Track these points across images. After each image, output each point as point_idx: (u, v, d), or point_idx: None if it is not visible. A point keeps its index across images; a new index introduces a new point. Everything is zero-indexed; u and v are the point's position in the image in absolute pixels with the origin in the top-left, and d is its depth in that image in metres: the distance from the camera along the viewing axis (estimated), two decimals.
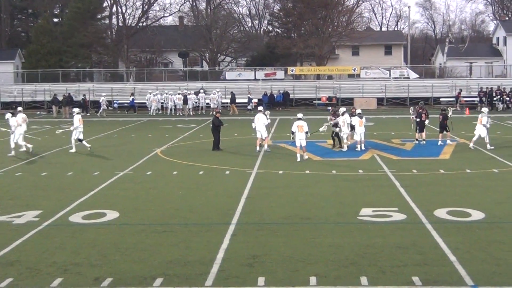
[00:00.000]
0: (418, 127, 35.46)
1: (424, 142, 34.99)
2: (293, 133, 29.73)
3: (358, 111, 34.89)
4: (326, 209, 19.58)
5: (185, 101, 61.88)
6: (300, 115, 30.11)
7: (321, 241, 15.88)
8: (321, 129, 33.98)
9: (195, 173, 26.73)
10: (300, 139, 29.13)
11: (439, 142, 34.81)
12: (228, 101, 64.02)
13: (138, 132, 44.56)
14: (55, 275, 13.54)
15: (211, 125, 34.34)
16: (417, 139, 35.50)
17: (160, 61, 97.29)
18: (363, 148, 32.70)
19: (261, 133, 32.89)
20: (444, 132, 35.03)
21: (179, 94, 62.97)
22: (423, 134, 35.42)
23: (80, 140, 33.40)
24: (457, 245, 15.35)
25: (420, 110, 35.62)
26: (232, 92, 64.35)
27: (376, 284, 12.81)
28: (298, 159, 29.02)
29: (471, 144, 32.65)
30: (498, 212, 18.98)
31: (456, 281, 12.95)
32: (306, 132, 29.22)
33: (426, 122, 35.42)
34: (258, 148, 32.51)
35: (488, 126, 32.65)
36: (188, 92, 64.25)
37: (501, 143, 35.24)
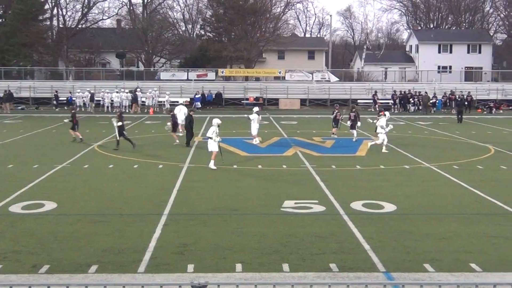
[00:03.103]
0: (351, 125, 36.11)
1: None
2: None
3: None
4: (252, 201, 19.64)
5: (135, 99, 61.09)
6: (217, 121, 26.37)
7: (247, 231, 15.92)
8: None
9: (130, 166, 26.48)
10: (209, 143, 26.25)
11: (354, 139, 35.43)
12: (163, 99, 63.26)
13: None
14: None
15: (183, 122, 34.06)
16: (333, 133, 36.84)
17: (98, 61, 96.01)
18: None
19: (182, 121, 35.61)
20: (351, 129, 35.80)
21: (125, 92, 62.36)
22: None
23: None
24: (371, 235, 15.57)
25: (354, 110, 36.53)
26: (134, 91, 63.38)
27: (296, 271, 12.90)
28: (213, 167, 25.67)
29: (382, 147, 31.72)
30: (408, 204, 19.33)
31: (369, 268, 13.14)
32: (210, 138, 26.04)
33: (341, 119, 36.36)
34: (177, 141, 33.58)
35: (387, 128, 31.70)
36: (126, 91, 63.52)
37: (412, 142, 35.86)
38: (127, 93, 62.67)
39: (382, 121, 31.85)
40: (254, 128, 34.81)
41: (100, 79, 76.53)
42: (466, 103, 62.46)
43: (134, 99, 61.19)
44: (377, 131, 32.28)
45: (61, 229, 16.06)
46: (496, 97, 70.19)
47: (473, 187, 22.03)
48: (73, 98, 63.77)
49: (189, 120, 32.95)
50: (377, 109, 59.42)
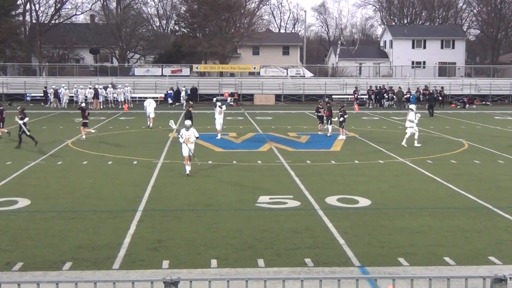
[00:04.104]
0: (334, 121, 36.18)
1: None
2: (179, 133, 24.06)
3: (218, 103, 35.84)
4: (226, 197, 19.64)
5: (96, 95, 60.77)
6: (186, 123, 23.99)
7: (222, 226, 15.92)
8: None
9: (104, 163, 26.35)
10: (189, 149, 23.43)
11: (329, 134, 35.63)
12: (137, 95, 63.03)
13: (50, 124, 43.55)
14: None
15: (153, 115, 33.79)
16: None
17: (72, 57, 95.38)
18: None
19: (150, 116, 39.47)
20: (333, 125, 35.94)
21: (89, 88, 61.96)
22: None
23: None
24: (345, 230, 15.64)
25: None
26: (95, 87, 62.89)
27: (272, 266, 12.92)
28: (187, 172, 23.33)
29: (412, 141, 31.88)
30: (382, 199, 19.44)
31: (344, 262, 13.20)
32: (197, 137, 23.87)
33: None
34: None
35: (416, 122, 32.02)
36: (100, 86, 63.15)
37: (386, 137, 36.06)
38: (101, 88, 62.32)
39: (411, 115, 32.04)
40: (218, 123, 34.90)
41: (74, 75, 76.00)
42: (439, 97, 63.00)
43: (95, 95, 60.76)
44: (406, 125, 32.45)
45: (34, 226, 15.95)
46: (469, 92, 70.74)
47: (447, 182, 22.21)
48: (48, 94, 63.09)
49: (188, 116, 32.84)
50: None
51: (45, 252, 13.76)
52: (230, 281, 7.72)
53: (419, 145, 31.66)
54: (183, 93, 63.23)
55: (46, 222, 16.37)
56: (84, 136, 33.66)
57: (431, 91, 60.08)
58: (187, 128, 23.49)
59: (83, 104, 37.97)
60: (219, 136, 34.53)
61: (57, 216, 17.03)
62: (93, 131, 34.53)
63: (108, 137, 35.76)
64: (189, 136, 23.34)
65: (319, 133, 36.82)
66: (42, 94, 64.21)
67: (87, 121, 33.89)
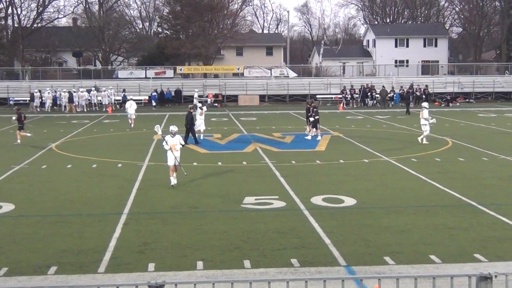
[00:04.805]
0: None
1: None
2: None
3: (199, 104, 35.89)
4: (212, 198, 19.60)
5: (71, 99, 60.40)
6: (172, 128, 21.82)
7: (207, 228, 15.89)
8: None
9: (88, 166, 26.23)
10: (175, 157, 21.54)
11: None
12: (120, 98, 62.77)
13: (33, 128, 43.27)
14: None
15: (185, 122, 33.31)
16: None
17: (54, 60, 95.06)
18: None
19: (131, 117, 41.01)
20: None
21: (64, 92, 61.77)
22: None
23: None
24: (331, 229, 15.64)
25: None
26: (69, 91, 62.64)
27: (258, 267, 12.90)
28: (172, 183, 21.53)
29: (423, 139, 32.35)
30: (367, 198, 19.46)
31: (330, 262, 13.20)
32: (182, 145, 22.01)
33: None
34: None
35: (432, 121, 32.79)
36: (82, 90, 62.89)
37: (371, 136, 36.13)
38: (82, 92, 62.09)
39: (425, 113, 32.34)
40: (199, 124, 34.82)
41: (57, 79, 75.67)
42: (423, 96, 63.21)
43: (70, 99, 60.48)
44: (421, 123, 32.69)
45: (19, 231, 15.85)
46: (452, 90, 71.05)
47: (432, 180, 22.28)
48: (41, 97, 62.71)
49: (190, 117, 32.82)
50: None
51: (30, 257, 13.67)
52: (216, 284, 7.69)
53: (427, 142, 32.01)
54: (196, 95, 63.54)
55: (31, 227, 16.26)
56: (19, 141, 33.37)
57: (406, 90, 60.24)
58: (173, 134, 21.51)
59: (17, 108, 37.28)
60: (199, 136, 34.51)
61: (42, 221, 16.93)
62: (29, 134, 34.16)
63: (92, 140, 35.64)
64: (174, 144, 21.40)
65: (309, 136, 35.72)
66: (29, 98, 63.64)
67: (21, 124, 33.63)
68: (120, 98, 61.67)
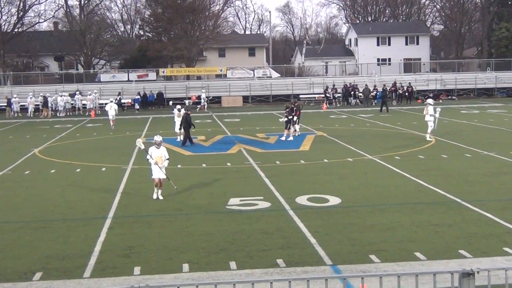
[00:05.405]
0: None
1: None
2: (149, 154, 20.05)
3: (178, 106, 35.85)
4: (197, 200, 19.59)
5: (45, 104, 60.08)
6: (156, 138, 20.23)
7: (193, 230, 15.89)
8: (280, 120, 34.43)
9: (72, 170, 26.15)
10: (160, 169, 19.77)
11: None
12: (104, 102, 62.61)
13: (16, 133, 43.10)
14: None
15: (184, 124, 33.19)
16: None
17: (36, 65, 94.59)
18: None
19: (112, 117, 41.83)
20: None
21: (65, 96, 61.59)
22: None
23: None
24: (316, 229, 15.69)
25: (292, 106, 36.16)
26: (44, 96, 62.45)
27: (244, 268, 12.92)
28: (155, 196, 19.90)
29: (428, 136, 32.90)
30: (352, 197, 19.54)
31: (316, 262, 13.24)
32: (167, 159, 20.03)
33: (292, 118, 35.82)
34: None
35: (437, 115, 32.98)
36: (64, 94, 62.67)
37: (355, 135, 36.24)
38: (66, 96, 61.89)
39: (430, 109, 32.64)
40: (178, 126, 34.90)
41: (39, 83, 75.36)
42: (406, 93, 63.52)
43: (44, 104, 60.21)
44: (426, 119, 33.00)
45: (3, 237, 15.78)
46: (435, 87, 71.45)
47: (415, 177, 22.40)
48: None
49: (189, 119, 32.83)
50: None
51: (15, 263, 13.62)
52: (200, 286, 7.70)
53: (431, 139, 32.37)
54: (203, 95, 63.83)
55: (15, 233, 16.20)
56: None
57: (384, 89, 60.52)
58: (158, 146, 19.85)
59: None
60: (178, 139, 34.53)
61: (26, 226, 16.87)
62: None
63: (75, 144, 35.52)
64: (160, 155, 19.69)
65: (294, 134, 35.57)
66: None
67: None
68: (104, 102, 61.44)
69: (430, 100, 34.18)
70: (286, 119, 34.12)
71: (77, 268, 13.20)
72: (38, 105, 61.47)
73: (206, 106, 62.93)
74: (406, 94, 65.62)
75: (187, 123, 32.81)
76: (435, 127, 33.13)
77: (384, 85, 65.07)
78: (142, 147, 21.04)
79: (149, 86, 70.98)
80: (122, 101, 64.21)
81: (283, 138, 34.24)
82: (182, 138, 33.71)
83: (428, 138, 32.54)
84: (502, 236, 14.78)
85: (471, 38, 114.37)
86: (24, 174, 25.64)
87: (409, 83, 67.26)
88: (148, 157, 19.93)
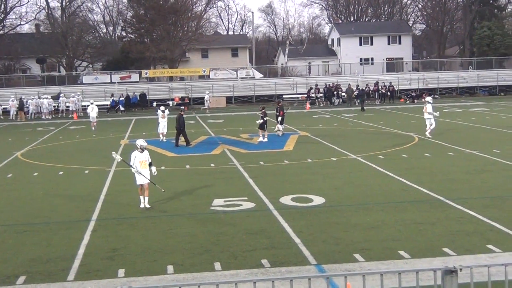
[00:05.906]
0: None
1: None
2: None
3: (162, 107, 36.30)
4: (181, 202, 19.57)
5: (21, 107, 59.78)
6: (141, 143, 19.04)
7: (177, 232, 15.86)
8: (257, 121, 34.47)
9: (55, 173, 26.03)
10: (144, 174, 18.81)
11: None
12: (86, 104, 62.32)
13: None
14: None
15: (176, 124, 33.13)
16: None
17: (18, 67, 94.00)
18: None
19: (93, 119, 42.89)
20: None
21: (15, 100, 61.27)
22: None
23: None
24: (301, 229, 15.71)
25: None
26: (20, 99, 62.08)
27: (228, 269, 12.91)
28: (142, 205, 18.81)
29: (428, 134, 33.35)
30: (336, 196, 19.59)
31: (301, 261, 13.25)
32: (150, 164, 19.03)
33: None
34: None
35: (436, 114, 33.47)
36: (46, 96, 62.47)
37: (338, 134, 36.32)
38: (48, 98, 61.64)
39: (429, 107, 32.98)
40: (162, 126, 35.42)
41: (21, 86, 74.97)
42: (388, 93, 63.76)
43: (20, 107, 59.94)
44: (425, 117, 33.38)
45: None
46: (417, 87, 71.75)
47: (399, 176, 22.48)
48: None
49: (182, 120, 32.78)
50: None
51: None
52: (183, 287, 7.70)
53: (431, 136, 32.77)
54: (206, 97, 63.71)
55: None
56: None
57: (362, 88, 60.78)
58: (142, 150, 18.94)
59: None
60: (162, 139, 34.63)
61: (9, 230, 16.77)
62: None
63: (58, 147, 35.36)
64: (144, 160, 18.79)
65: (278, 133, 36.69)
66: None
67: None
68: (85, 103, 61.28)
69: (429, 98, 34.21)
70: (262, 120, 34.07)
71: (61, 271, 13.15)
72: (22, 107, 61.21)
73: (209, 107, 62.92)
74: (388, 93, 65.88)
75: (179, 124, 32.79)
76: (435, 126, 33.40)
77: (367, 85, 65.39)
78: (120, 159, 20.39)
79: (132, 87, 70.84)
80: (104, 102, 64.13)
81: (260, 139, 34.22)
82: (166, 140, 33.85)
83: (428, 135, 33.02)
84: (485, 233, 14.86)
85: (453, 37, 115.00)
86: (7, 178, 25.49)
87: (390, 83, 67.50)
88: (132, 169, 18.87)
